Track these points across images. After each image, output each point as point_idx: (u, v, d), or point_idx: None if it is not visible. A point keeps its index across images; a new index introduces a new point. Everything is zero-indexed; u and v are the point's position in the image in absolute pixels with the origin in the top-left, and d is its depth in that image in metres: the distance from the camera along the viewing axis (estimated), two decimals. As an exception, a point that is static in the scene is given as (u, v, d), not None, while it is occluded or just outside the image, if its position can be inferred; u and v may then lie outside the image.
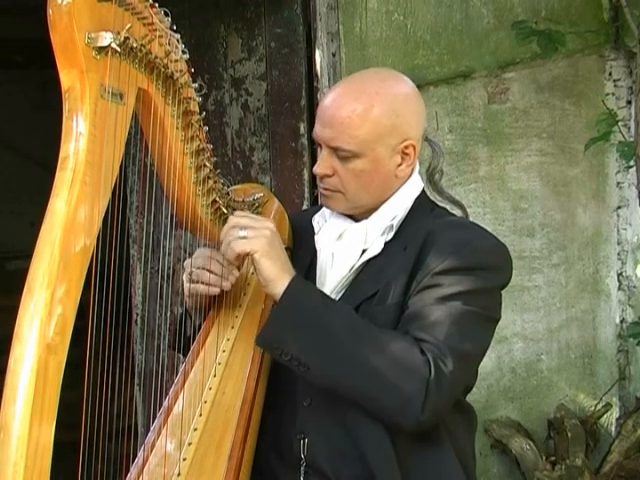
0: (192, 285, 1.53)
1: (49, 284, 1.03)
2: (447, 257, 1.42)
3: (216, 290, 1.52)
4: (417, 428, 1.38)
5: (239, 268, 1.55)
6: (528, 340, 3.24)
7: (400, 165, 1.51)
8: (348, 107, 1.46)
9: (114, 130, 1.14)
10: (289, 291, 1.41)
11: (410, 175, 1.55)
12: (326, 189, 1.54)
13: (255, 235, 1.42)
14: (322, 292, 1.49)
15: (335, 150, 1.49)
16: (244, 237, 1.42)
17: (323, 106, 1.51)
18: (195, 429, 1.41)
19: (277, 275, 1.42)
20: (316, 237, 1.59)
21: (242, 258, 1.49)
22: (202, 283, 1.51)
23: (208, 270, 1.51)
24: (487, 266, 1.46)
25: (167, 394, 1.49)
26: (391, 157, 1.49)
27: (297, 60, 3.06)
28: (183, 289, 1.57)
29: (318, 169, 1.52)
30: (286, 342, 1.39)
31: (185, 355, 1.58)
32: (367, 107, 1.46)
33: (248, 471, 1.41)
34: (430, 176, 1.60)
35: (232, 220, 1.46)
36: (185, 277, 1.55)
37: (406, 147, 1.49)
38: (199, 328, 1.60)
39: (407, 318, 1.43)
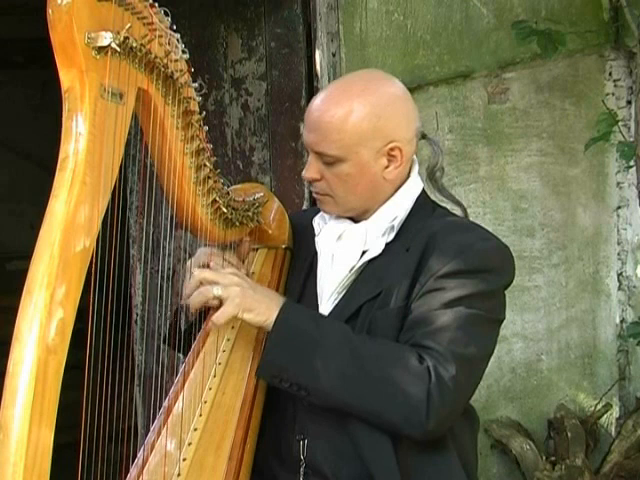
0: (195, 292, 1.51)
1: (48, 285, 1.03)
2: (450, 260, 1.42)
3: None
4: (425, 437, 1.38)
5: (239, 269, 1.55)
6: (528, 340, 3.23)
7: (387, 167, 1.50)
8: (329, 112, 1.46)
9: (114, 130, 1.13)
10: (279, 320, 1.41)
11: (408, 176, 1.54)
12: (317, 193, 1.54)
13: (228, 294, 1.40)
14: (314, 313, 1.50)
15: (320, 155, 1.49)
16: (219, 297, 1.40)
17: (309, 110, 1.51)
18: (195, 429, 1.40)
19: (265, 316, 1.41)
20: (316, 239, 1.59)
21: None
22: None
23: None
24: (490, 268, 1.46)
25: (167, 394, 1.49)
26: (376, 160, 1.49)
27: (297, 60, 3.06)
28: (182, 288, 1.56)
29: (306, 174, 1.52)
30: (283, 369, 1.40)
31: (179, 352, 1.58)
32: (347, 111, 1.45)
33: (248, 471, 1.41)
34: (430, 174, 1.60)
35: (198, 275, 1.44)
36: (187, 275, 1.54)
37: (392, 149, 1.48)
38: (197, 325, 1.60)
39: (411, 323, 1.43)
